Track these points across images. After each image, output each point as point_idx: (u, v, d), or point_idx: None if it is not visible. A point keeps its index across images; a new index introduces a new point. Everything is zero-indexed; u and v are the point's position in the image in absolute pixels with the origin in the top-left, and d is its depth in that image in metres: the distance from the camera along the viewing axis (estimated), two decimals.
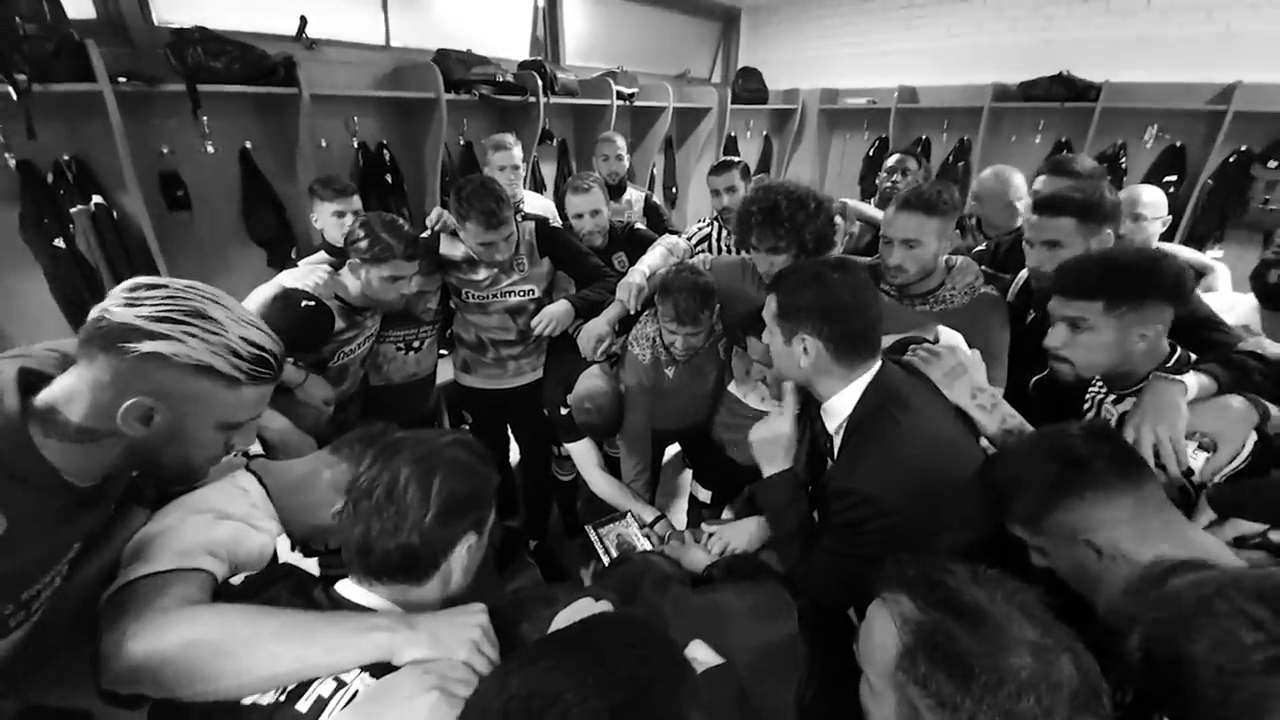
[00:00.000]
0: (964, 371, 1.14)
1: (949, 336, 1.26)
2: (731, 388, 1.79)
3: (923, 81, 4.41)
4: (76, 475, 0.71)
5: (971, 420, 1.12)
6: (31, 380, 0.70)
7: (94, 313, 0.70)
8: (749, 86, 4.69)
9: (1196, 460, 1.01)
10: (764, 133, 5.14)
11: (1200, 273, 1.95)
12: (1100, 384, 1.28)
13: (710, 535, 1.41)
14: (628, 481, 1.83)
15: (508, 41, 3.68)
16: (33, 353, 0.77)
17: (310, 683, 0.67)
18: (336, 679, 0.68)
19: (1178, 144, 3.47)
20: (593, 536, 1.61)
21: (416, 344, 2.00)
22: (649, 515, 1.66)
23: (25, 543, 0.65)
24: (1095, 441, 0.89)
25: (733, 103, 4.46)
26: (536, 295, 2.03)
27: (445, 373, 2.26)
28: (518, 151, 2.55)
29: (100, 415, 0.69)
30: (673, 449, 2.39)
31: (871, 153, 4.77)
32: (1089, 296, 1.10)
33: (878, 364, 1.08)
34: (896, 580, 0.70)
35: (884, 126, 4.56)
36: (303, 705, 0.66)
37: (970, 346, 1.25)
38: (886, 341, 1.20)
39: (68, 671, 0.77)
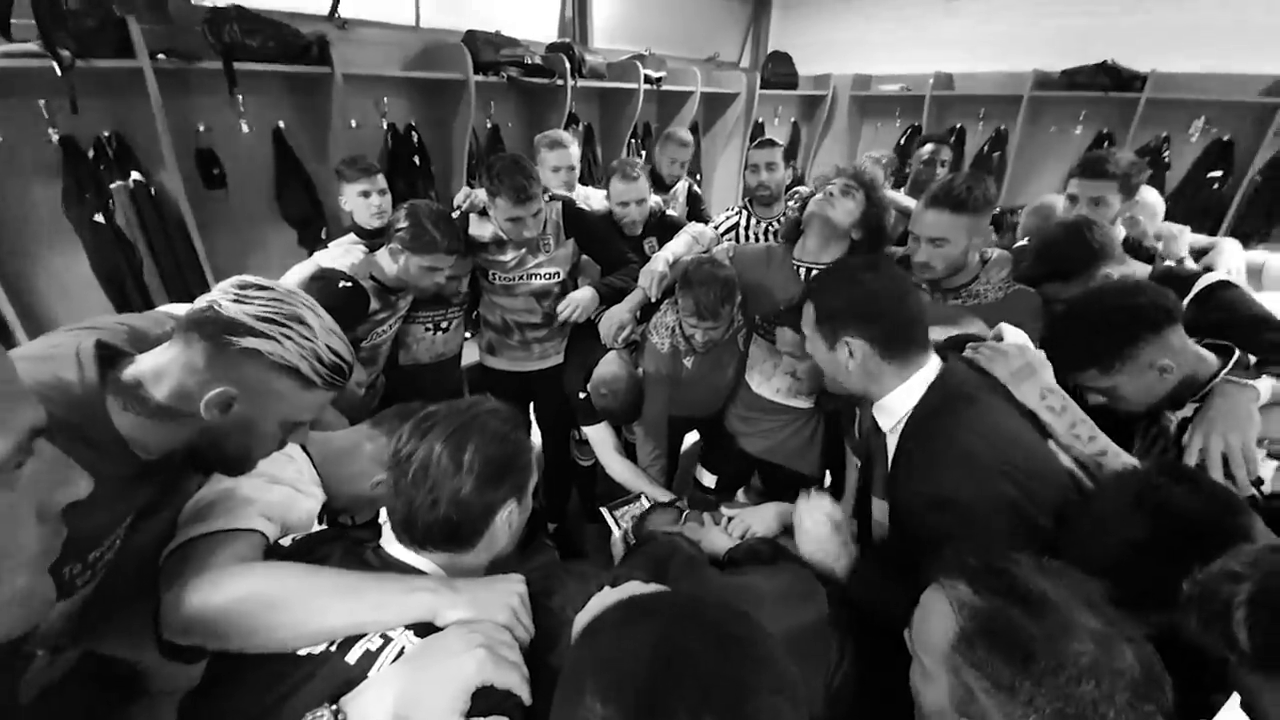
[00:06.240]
0: (1032, 372, 1.07)
1: (1014, 335, 1.18)
2: (748, 378, 1.78)
3: (959, 68, 4.28)
4: (142, 449, 0.74)
5: (1040, 423, 1.06)
6: (106, 353, 0.73)
7: (201, 302, 0.74)
8: (779, 71, 4.58)
9: (1268, 469, 0.98)
10: (792, 119, 5.04)
11: (1203, 250, 1.89)
12: None
13: (730, 519, 1.40)
14: (644, 466, 1.84)
15: (536, 22, 3.65)
16: (104, 325, 0.81)
17: (358, 637, 0.71)
18: (383, 635, 0.71)
19: (1225, 138, 3.33)
20: (608, 518, 1.63)
21: (444, 324, 2.03)
22: (664, 498, 1.67)
23: (96, 508, 0.67)
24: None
25: (761, 87, 4.37)
26: (561, 278, 2.04)
27: (470, 355, 2.28)
28: (575, 150, 2.42)
29: (184, 398, 0.72)
30: (692, 437, 2.39)
31: (903, 141, 4.66)
32: (1081, 367, 1.09)
33: (935, 359, 1.03)
34: (956, 568, 0.70)
35: (917, 114, 4.45)
36: (351, 658, 0.69)
37: None
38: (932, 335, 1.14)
39: (127, 627, 0.82)
